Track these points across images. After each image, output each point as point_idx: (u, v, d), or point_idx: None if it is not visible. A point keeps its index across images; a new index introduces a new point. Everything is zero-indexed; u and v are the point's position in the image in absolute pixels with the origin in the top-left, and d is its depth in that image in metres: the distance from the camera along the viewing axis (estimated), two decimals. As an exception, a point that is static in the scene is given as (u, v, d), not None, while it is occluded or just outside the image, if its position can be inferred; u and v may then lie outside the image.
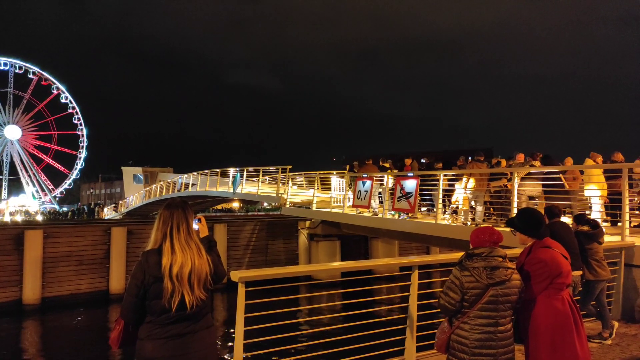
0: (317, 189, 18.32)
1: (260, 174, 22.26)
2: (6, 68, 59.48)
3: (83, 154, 62.71)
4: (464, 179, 11.25)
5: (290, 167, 20.13)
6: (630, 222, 8.06)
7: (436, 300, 3.30)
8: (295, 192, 21.35)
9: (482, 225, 3.41)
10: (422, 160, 15.08)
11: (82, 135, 62.25)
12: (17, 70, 59.92)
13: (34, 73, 60.05)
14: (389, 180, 13.64)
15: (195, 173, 31.23)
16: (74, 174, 63.81)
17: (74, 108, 61.26)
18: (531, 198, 9.81)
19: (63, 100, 61.19)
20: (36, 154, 64.44)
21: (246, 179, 23.18)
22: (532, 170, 9.94)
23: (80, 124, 61.87)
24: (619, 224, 8.36)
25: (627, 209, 7.75)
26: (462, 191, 11.28)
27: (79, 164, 63.03)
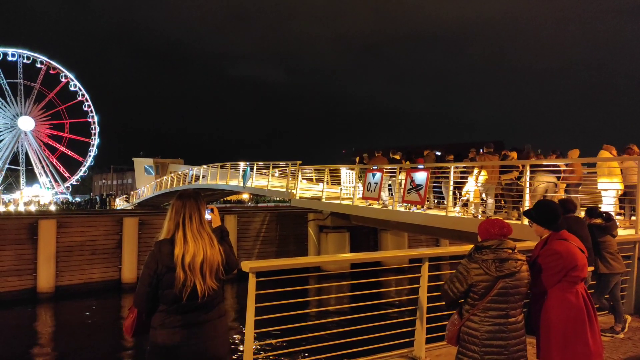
0: (327, 183, 18.33)
1: (270, 168, 22.35)
2: (14, 59, 59.70)
3: (96, 141, 63.20)
4: (475, 171, 11.18)
5: (300, 162, 20.30)
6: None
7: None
8: (305, 186, 21.37)
9: (491, 218, 3.39)
10: (438, 153, 14.97)
11: (94, 122, 62.70)
12: (25, 61, 60.21)
13: (41, 62, 60.33)
14: (399, 172, 13.59)
15: (205, 166, 31.43)
16: (88, 161, 64.39)
17: (83, 95, 61.63)
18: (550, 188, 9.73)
19: (72, 88, 61.54)
20: (50, 143, 65.15)
21: (256, 173, 23.28)
22: (544, 162, 9.84)
23: (91, 111, 62.27)
24: (633, 217, 8.26)
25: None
26: (473, 184, 11.21)
27: (93, 151, 63.58)
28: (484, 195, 11.10)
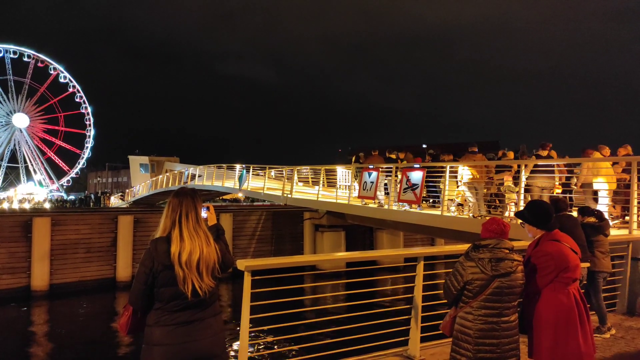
0: (323, 185, 18.34)
1: (267, 171, 22.41)
2: (1, 55, 58.76)
3: (92, 132, 62.65)
4: (460, 170, 11.25)
5: (298, 168, 20.48)
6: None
7: (441, 291, 3.33)
8: (301, 189, 21.37)
9: (494, 217, 3.41)
10: (430, 151, 14.99)
11: (88, 113, 62.14)
12: (12, 55, 59.25)
13: (29, 56, 59.39)
14: (395, 171, 13.61)
15: (202, 166, 31.56)
16: (86, 152, 63.91)
17: (74, 87, 60.91)
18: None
19: (62, 80, 60.80)
20: (46, 137, 64.61)
21: (252, 174, 23.40)
22: (540, 162, 9.89)
23: (84, 102, 61.57)
24: (627, 217, 8.32)
25: (635, 202, 7.71)
26: (463, 183, 11.26)
27: (89, 142, 63.07)
28: (468, 194, 11.12)
